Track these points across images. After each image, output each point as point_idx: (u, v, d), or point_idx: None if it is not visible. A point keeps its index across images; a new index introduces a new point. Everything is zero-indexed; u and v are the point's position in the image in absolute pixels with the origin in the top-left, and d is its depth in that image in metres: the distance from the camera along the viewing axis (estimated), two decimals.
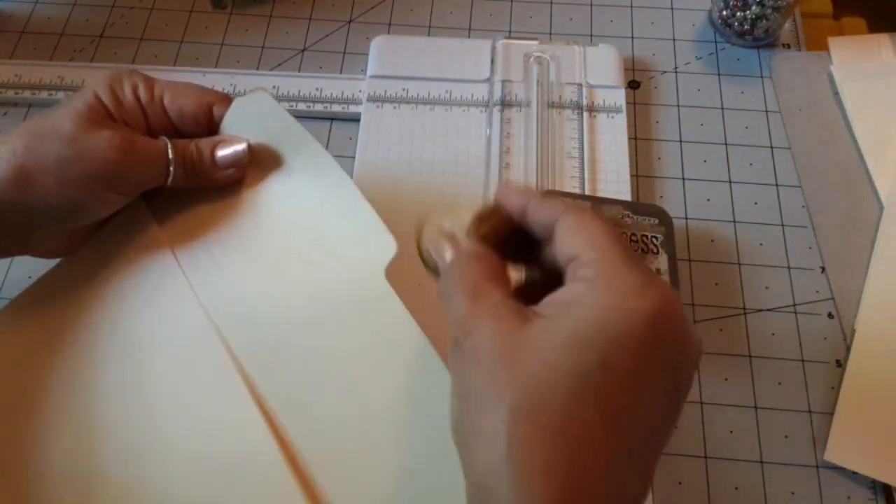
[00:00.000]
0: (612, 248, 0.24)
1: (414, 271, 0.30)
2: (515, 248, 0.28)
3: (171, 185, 0.35)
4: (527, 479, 0.21)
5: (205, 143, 0.36)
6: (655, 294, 0.23)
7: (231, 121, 0.37)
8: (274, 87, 0.47)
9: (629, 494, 0.22)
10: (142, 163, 0.34)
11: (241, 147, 0.35)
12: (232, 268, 0.36)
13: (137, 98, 0.35)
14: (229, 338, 0.34)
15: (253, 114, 0.36)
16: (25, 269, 0.41)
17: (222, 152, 0.35)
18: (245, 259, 0.36)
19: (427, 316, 0.31)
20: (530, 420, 0.21)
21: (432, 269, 0.29)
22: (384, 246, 0.33)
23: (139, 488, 0.32)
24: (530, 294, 0.26)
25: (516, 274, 0.28)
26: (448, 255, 0.27)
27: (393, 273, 0.33)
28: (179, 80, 0.36)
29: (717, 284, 0.42)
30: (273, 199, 0.36)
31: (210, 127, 0.37)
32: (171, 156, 0.34)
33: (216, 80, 0.47)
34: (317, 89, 0.47)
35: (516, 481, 0.21)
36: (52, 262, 0.38)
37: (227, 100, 0.37)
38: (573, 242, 0.25)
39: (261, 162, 0.37)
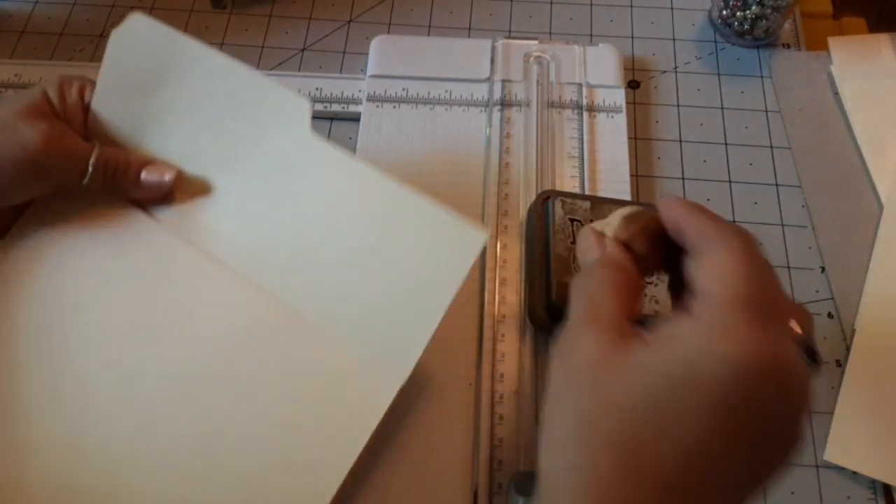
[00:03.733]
0: (736, 287, 0.23)
1: None
2: (662, 250, 0.28)
3: (88, 185, 0.35)
4: (580, 480, 0.22)
5: (136, 158, 0.37)
6: (763, 351, 0.21)
7: (113, 55, 0.36)
8: None
9: None
10: (61, 156, 0.35)
11: (168, 177, 0.36)
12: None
13: (82, 98, 0.36)
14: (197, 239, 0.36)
15: (134, 41, 0.36)
16: None
17: (148, 176, 0.36)
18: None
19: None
20: (592, 431, 0.22)
21: None
22: (300, 106, 0.35)
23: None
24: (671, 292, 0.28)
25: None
26: (590, 256, 0.28)
27: None
28: None
29: None
30: (189, 109, 0.37)
31: None
32: (92, 159, 0.35)
33: None
34: (317, 89, 0.47)
35: (571, 482, 0.22)
36: None
37: None
38: (704, 270, 0.24)
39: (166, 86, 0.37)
